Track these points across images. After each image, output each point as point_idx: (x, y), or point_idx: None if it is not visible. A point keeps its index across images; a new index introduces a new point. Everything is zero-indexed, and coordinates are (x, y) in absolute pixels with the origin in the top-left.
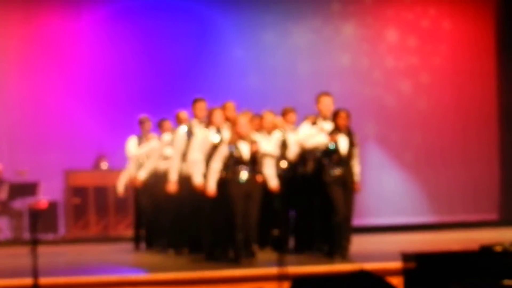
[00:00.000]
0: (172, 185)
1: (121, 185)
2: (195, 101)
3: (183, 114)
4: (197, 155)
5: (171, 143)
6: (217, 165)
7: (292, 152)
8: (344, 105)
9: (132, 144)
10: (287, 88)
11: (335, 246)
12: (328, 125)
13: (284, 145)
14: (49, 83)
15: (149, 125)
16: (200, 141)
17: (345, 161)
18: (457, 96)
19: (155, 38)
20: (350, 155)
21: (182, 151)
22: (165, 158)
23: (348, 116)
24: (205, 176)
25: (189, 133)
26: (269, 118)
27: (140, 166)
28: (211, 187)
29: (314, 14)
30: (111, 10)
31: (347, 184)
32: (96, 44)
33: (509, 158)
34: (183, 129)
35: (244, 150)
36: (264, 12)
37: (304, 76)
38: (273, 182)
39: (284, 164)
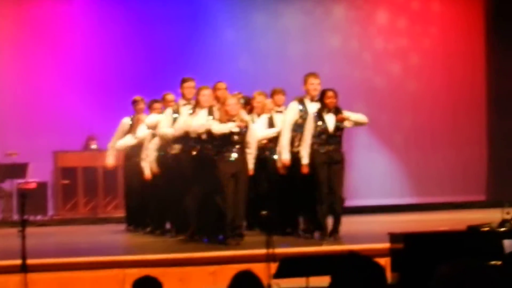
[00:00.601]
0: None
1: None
2: (183, 80)
3: (169, 96)
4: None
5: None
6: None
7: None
8: (334, 87)
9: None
10: (278, 70)
11: (321, 228)
12: (315, 106)
13: (271, 127)
14: (39, 65)
15: (142, 105)
16: (183, 120)
17: (333, 140)
18: (447, 78)
19: (146, 20)
20: (338, 134)
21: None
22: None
23: (336, 95)
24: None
25: (175, 114)
26: (260, 99)
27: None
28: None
29: None
30: None
31: (336, 163)
32: (87, 26)
33: (498, 140)
34: (169, 111)
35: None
36: None
37: (295, 58)
38: (249, 166)
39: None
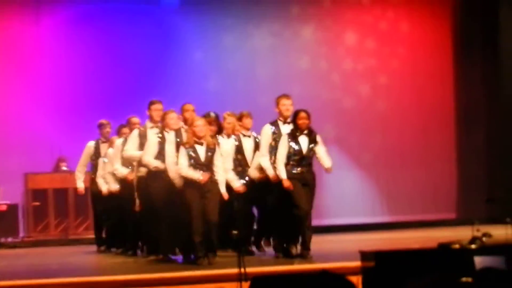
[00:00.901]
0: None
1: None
2: (150, 103)
3: (134, 119)
4: (150, 158)
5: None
6: (186, 165)
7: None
8: (303, 107)
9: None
10: (247, 90)
11: (294, 241)
12: (288, 128)
13: (239, 151)
14: (8, 86)
15: (108, 129)
16: (152, 144)
17: (306, 161)
18: (416, 97)
19: (115, 41)
20: (311, 155)
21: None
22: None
23: (309, 116)
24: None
25: (141, 137)
26: (230, 120)
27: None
28: (198, 176)
29: (274, 17)
30: (71, 14)
31: (308, 184)
32: (56, 47)
33: (466, 158)
34: (135, 132)
35: (201, 152)
36: (224, 15)
37: (264, 79)
38: (236, 184)
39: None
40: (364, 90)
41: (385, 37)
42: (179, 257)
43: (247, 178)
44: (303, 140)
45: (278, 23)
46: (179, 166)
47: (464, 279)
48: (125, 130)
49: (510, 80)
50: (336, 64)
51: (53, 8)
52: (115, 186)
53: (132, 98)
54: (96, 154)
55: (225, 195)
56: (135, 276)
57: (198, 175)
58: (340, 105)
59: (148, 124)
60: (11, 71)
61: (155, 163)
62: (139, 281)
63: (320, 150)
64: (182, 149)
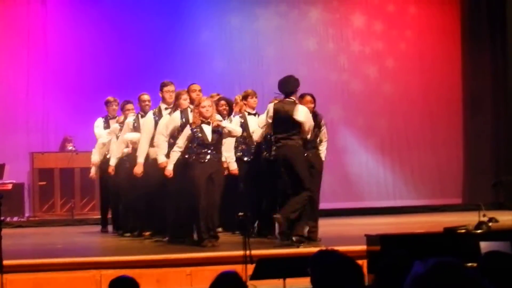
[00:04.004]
0: (139, 168)
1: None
2: (162, 84)
3: (145, 95)
4: (160, 137)
5: (133, 128)
6: (178, 146)
7: (257, 134)
8: (310, 90)
9: (99, 127)
10: (253, 72)
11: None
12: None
13: (244, 129)
14: (15, 65)
15: (115, 106)
16: (165, 124)
17: (311, 144)
18: (423, 81)
19: (122, 21)
20: (315, 138)
21: (150, 135)
22: (127, 142)
23: (314, 100)
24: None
25: (157, 118)
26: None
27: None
28: (169, 168)
29: None
30: None
31: (314, 166)
32: (63, 26)
33: (474, 143)
34: (151, 114)
35: (207, 132)
36: None
37: (270, 61)
38: (233, 165)
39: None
40: (371, 73)
41: (392, 20)
42: (184, 239)
43: (252, 157)
44: None
45: (285, 4)
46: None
47: (469, 264)
48: (129, 106)
49: None
50: (343, 46)
51: None
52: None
53: (138, 78)
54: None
55: (235, 171)
56: (141, 257)
57: (166, 162)
58: (347, 88)
59: (162, 105)
60: (18, 50)
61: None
62: (145, 262)
63: (322, 137)
64: (187, 128)
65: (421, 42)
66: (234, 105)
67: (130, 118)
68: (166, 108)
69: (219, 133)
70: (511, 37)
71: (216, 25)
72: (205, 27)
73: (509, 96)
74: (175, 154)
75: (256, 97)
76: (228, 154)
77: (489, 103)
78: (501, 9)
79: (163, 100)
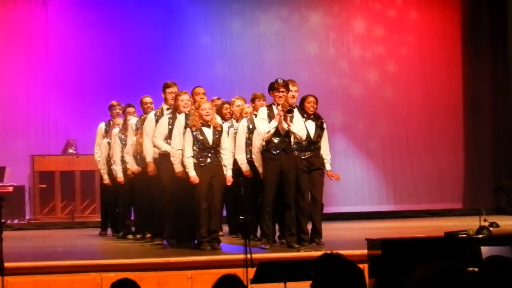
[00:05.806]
0: (150, 167)
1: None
2: (165, 85)
3: (147, 98)
4: (161, 143)
5: (136, 129)
6: (187, 152)
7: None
8: (310, 93)
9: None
10: (254, 76)
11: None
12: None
13: (251, 131)
14: (15, 68)
15: (118, 110)
16: (162, 127)
17: (314, 146)
18: (423, 86)
19: (123, 25)
20: (318, 139)
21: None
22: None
23: (317, 101)
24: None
25: (158, 118)
26: (239, 103)
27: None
28: (192, 174)
29: (282, 2)
30: None
31: (316, 169)
32: (63, 30)
33: (474, 148)
34: (152, 114)
35: (208, 135)
36: (231, 0)
37: (271, 65)
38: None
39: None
40: (372, 77)
41: (393, 24)
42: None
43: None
44: (310, 125)
45: (286, 9)
46: (184, 153)
47: (470, 269)
48: (131, 109)
49: None
50: (344, 50)
51: None
52: (135, 166)
53: (139, 82)
54: (106, 136)
55: (229, 180)
56: (141, 260)
57: (193, 174)
58: (348, 92)
59: (164, 106)
60: (19, 53)
61: (164, 147)
62: (145, 265)
63: (324, 140)
64: (188, 132)
65: (422, 47)
66: (229, 105)
67: (133, 120)
68: (168, 109)
69: (219, 135)
70: None
71: (217, 30)
72: (206, 32)
73: (509, 101)
74: (189, 160)
75: (264, 100)
76: (239, 156)
77: (490, 108)
78: (502, 15)
79: (165, 101)
